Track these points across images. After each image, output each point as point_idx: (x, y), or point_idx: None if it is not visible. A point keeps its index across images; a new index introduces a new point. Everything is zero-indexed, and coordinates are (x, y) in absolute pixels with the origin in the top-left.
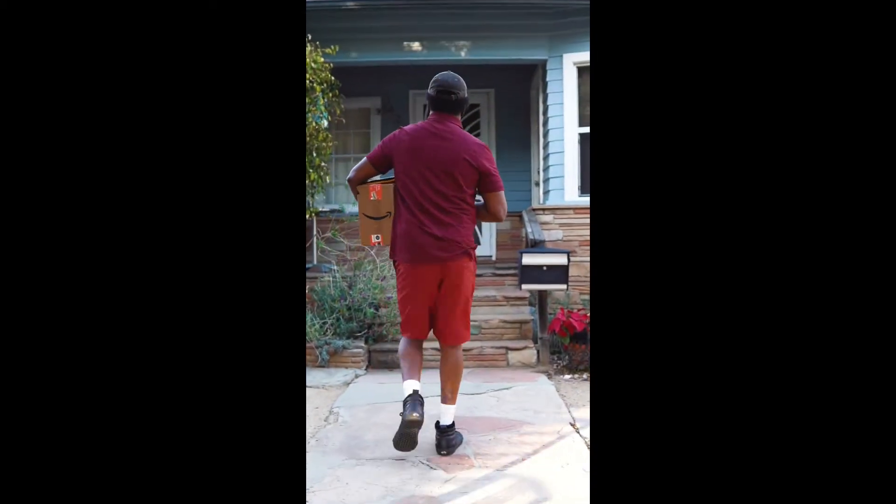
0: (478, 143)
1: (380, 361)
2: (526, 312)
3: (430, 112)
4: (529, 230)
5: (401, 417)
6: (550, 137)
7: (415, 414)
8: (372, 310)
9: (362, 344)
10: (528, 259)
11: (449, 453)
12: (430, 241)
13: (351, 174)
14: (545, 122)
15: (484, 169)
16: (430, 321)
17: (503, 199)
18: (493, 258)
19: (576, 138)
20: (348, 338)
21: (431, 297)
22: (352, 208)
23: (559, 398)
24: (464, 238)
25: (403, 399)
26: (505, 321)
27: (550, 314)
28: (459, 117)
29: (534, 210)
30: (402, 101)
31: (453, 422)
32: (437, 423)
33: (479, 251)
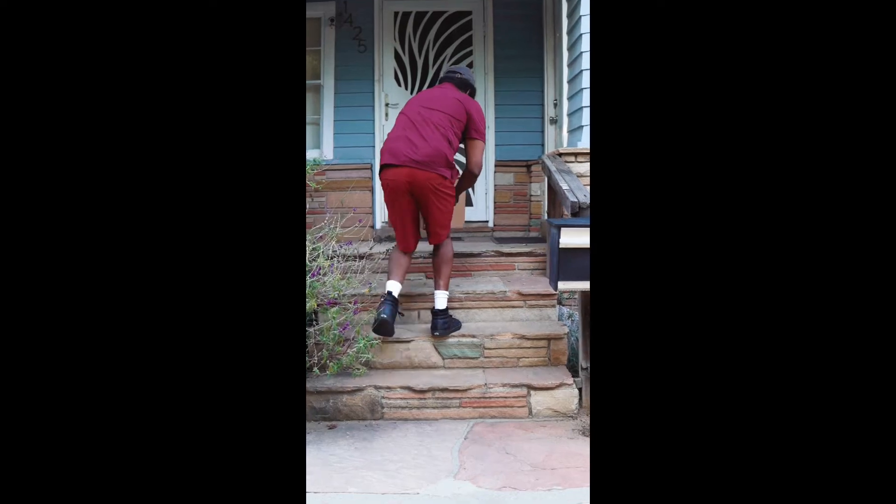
0: (473, 99)
1: (315, 410)
2: (554, 319)
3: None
4: (565, 186)
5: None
6: (582, 48)
7: (383, 315)
8: None
9: None
10: (570, 238)
11: (442, 335)
12: (411, 151)
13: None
14: (571, 30)
15: (472, 114)
16: (416, 235)
17: (482, 150)
18: (491, 224)
19: None
20: None
21: (411, 208)
22: None
23: None
24: (441, 155)
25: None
26: (522, 336)
27: None
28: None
29: (561, 156)
30: (366, 10)
31: (447, 307)
32: (433, 308)
33: (473, 215)
